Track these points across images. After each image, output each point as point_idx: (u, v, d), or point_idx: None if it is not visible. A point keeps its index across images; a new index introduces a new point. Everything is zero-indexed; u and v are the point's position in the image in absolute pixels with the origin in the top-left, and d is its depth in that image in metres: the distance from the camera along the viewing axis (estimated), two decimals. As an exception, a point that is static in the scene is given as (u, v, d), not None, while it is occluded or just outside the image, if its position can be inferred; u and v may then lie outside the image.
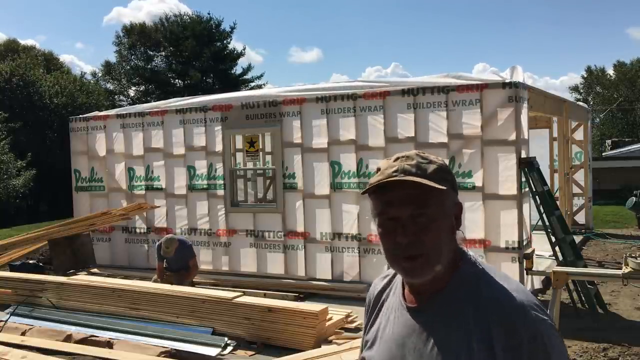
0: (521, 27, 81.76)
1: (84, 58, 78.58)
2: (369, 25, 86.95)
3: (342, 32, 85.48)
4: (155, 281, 8.14)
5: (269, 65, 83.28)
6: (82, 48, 75.13)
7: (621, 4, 76.67)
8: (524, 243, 7.84)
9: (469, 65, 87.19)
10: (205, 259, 10.12)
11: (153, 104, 11.78)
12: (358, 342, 5.28)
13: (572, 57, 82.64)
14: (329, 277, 9.11)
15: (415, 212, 1.50)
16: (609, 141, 33.33)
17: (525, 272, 7.67)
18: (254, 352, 6.03)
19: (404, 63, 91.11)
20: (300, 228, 9.35)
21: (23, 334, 6.78)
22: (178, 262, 8.44)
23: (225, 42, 42.32)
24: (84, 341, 6.43)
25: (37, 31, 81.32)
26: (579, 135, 13.74)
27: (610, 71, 48.55)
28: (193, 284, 8.35)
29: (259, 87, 42.28)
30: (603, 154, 28.29)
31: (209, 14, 47.90)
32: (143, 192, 10.88)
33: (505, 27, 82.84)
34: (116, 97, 41.43)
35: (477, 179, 8.02)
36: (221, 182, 10.04)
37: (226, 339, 6.17)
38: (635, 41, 75.08)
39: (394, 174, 1.52)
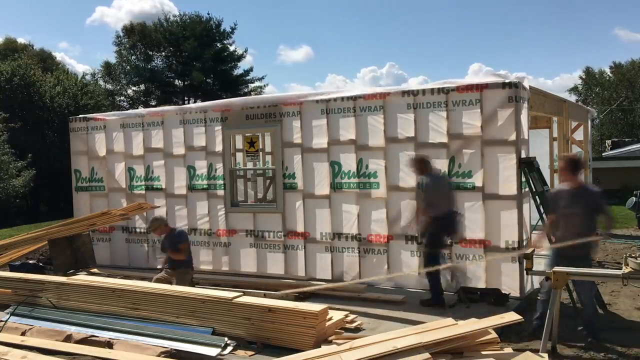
0: (516, 28, 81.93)
1: (74, 57, 78.59)
2: (361, 24, 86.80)
3: (332, 31, 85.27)
4: (156, 280, 8.14)
5: (262, 65, 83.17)
6: (68, 47, 75.18)
7: (608, 5, 76.92)
8: (524, 243, 7.85)
9: (464, 65, 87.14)
10: (205, 259, 10.12)
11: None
12: (358, 342, 5.29)
13: (564, 58, 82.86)
14: (329, 277, 9.11)
15: None
16: (609, 141, 33.34)
17: (525, 272, 7.66)
18: (254, 352, 6.03)
19: (400, 63, 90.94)
20: (300, 228, 9.35)
21: (23, 334, 6.77)
22: (172, 250, 8.48)
23: (225, 42, 42.32)
24: (84, 341, 6.42)
25: (23, 30, 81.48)
26: (579, 135, 13.73)
27: (607, 70, 48.64)
28: (193, 285, 8.35)
29: (260, 88, 42.34)
30: (603, 154, 28.29)
31: (208, 14, 47.95)
32: (143, 192, 10.88)
33: (500, 28, 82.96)
34: (116, 97, 41.42)
35: (477, 179, 8.03)
36: (221, 182, 10.04)
37: (226, 339, 6.16)
38: (624, 42, 75.36)
39: None
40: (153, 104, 39.15)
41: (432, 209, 7.52)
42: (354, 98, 8.83)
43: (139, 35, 41.97)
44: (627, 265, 5.57)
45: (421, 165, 7.77)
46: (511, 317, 5.65)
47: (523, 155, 7.88)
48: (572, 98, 41.54)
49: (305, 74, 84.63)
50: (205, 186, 10.21)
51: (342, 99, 8.91)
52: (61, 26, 77.81)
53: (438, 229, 7.56)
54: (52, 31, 77.78)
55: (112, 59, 43.12)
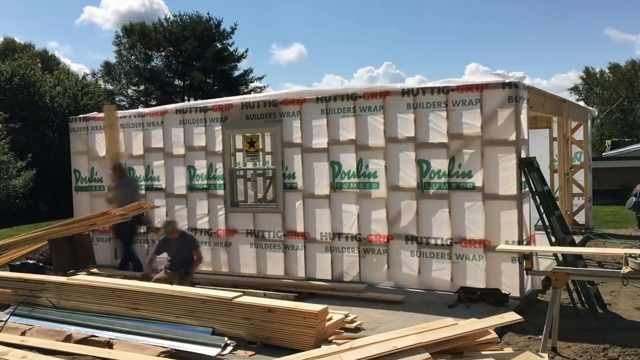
0: (513, 28, 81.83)
1: (67, 56, 78.70)
2: (356, 24, 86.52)
3: (326, 31, 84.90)
4: (156, 280, 8.15)
5: (257, 65, 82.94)
6: (58, 46, 75.24)
7: (598, 5, 77.16)
8: (524, 243, 7.85)
9: (461, 65, 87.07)
10: (205, 259, 10.09)
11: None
12: (358, 342, 5.28)
13: (559, 58, 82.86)
14: (329, 277, 9.11)
15: None
16: (609, 141, 33.32)
17: (525, 272, 7.68)
18: (253, 352, 6.03)
19: (397, 62, 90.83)
20: (300, 228, 9.35)
21: (23, 334, 6.77)
22: (181, 254, 8.55)
23: (225, 42, 42.32)
24: (84, 341, 6.42)
25: (14, 30, 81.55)
26: (579, 135, 13.74)
27: (606, 70, 48.67)
28: (193, 285, 8.35)
29: (260, 88, 42.33)
30: (603, 154, 28.27)
31: (208, 14, 47.92)
32: (143, 192, 10.87)
33: (498, 28, 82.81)
34: (116, 97, 41.41)
35: (477, 179, 8.02)
36: (221, 182, 10.04)
37: (226, 339, 6.16)
38: (616, 42, 75.62)
39: None
40: (153, 104, 39.14)
41: (122, 206, 9.92)
42: (354, 98, 8.83)
43: (138, 35, 41.95)
44: (627, 265, 5.57)
45: (116, 172, 10.48)
46: (511, 317, 5.65)
47: (523, 155, 7.88)
48: (573, 98, 41.55)
49: (301, 74, 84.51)
50: (205, 186, 10.20)
51: (342, 98, 8.91)
52: (50, 25, 77.95)
53: (127, 222, 9.75)
54: (41, 30, 77.92)
55: (104, 58, 43.29)
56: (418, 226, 8.47)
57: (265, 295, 7.89)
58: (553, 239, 7.76)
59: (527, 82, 8.17)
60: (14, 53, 36.17)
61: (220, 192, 10.05)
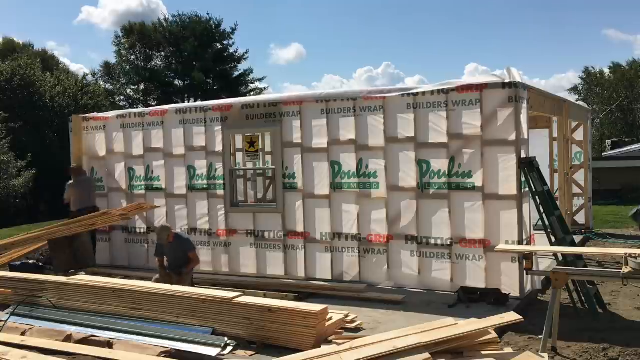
0: (512, 27, 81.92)
1: (66, 56, 78.79)
2: (355, 24, 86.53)
3: (325, 31, 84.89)
4: (156, 281, 8.15)
5: (255, 65, 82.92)
6: (55, 46, 75.34)
7: (596, 5, 77.33)
8: (524, 243, 7.85)
9: (460, 65, 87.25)
10: (205, 259, 10.10)
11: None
12: (358, 342, 5.29)
13: (557, 58, 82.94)
14: (329, 277, 9.11)
15: None
16: (609, 141, 33.33)
17: (525, 272, 7.68)
18: (253, 352, 6.03)
19: (396, 62, 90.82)
20: (300, 228, 9.35)
21: (23, 334, 6.77)
22: (177, 256, 8.52)
23: (225, 43, 42.32)
24: (84, 341, 6.42)
25: (10, 29, 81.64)
26: (579, 135, 13.74)
27: (607, 70, 48.71)
28: (193, 285, 8.35)
29: (260, 90, 42.34)
30: (603, 154, 28.29)
31: (208, 14, 47.92)
32: (143, 192, 10.87)
33: (496, 28, 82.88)
34: (115, 97, 41.40)
35: (477, 179, 8.02)
36: (221, 182, 10.03)
37: (226, 339, 6.16)
38: (614, 42, 75.79)
39: None
40: (153, 104, 39.16)
41: (76, 204, 10.88)
42: (353, 98, 8.83)
43: (138, 36, 41.94)
44: (627, 265, 5.57)
45: (73, 172, 11.18)
46: (511, 317, 5.65)
47: (523, 155, 7.88)
48: (573, 97, 41.57)
49: (300, 74, 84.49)
50: (205, 186, 10.20)
51: (342, 98, 8.91)
52: (49, 25, 78.08)
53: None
54: (40, 30, 78.04)
55: (103, 58, 43.28)
56: (418, 226, 8.47)
57: (265, 295, 7.89)
58: (553, 239, 7.76)
59: (518, 76, 8.04)
60: (14, 53, 36.16)
61: (220, 192, 10.05)
